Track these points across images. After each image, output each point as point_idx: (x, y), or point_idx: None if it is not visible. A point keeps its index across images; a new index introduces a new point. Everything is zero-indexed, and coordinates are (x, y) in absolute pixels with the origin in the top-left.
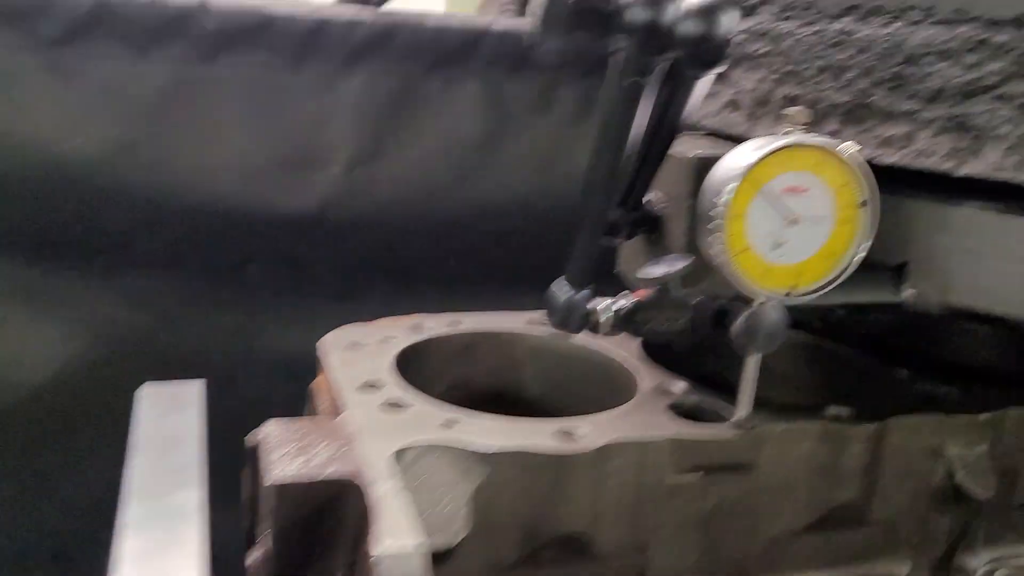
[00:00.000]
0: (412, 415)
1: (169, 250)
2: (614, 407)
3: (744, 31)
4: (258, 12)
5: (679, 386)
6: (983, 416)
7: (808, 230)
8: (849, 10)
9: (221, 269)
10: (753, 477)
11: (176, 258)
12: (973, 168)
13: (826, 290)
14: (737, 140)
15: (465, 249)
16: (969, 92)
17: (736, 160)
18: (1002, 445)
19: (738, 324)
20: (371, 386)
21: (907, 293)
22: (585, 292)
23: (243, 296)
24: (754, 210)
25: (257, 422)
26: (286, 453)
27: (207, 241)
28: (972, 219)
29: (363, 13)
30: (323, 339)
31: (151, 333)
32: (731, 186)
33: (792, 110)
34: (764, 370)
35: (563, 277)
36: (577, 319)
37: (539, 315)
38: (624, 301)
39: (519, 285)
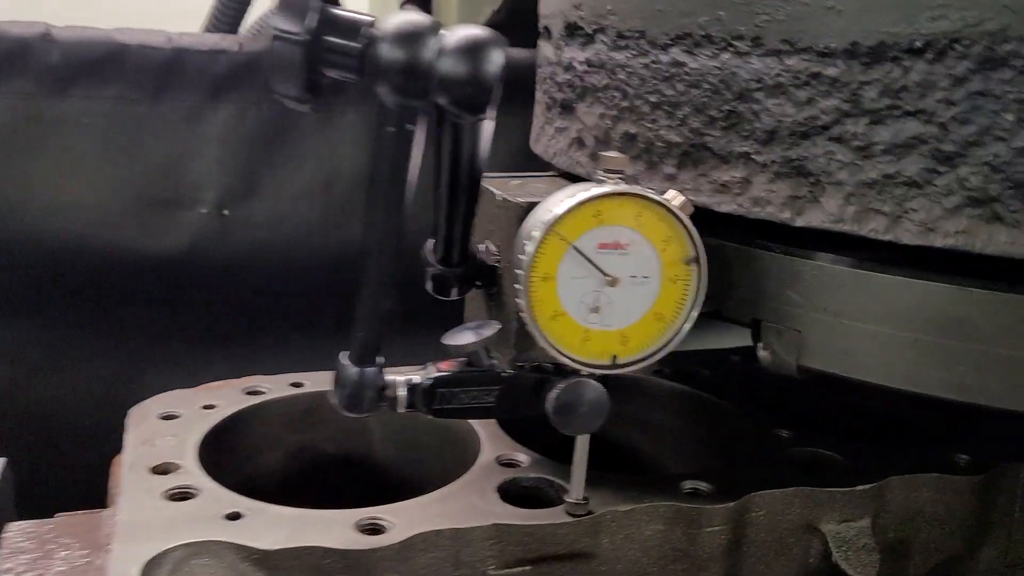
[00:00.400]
0: (195, 507)
1: (30, 296)
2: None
3: (584, 61)
4: (108, 42)
5: (523, 459)
6: (862, 487)
7: (631, 291)
8: (678, 39)
9: (91, 314)
10: (593, 568)
11: (38, 304)
12: (812, 218)
13: (656, 358)
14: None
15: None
16: (804, 132)
17: (543, 212)
18: (887, 517)
19: (552, 400)
20: (162, 470)
21: (761, 354)
22: (374, 367)
23: (117, 343)
24: (566, 269)
25: None
26: (16, 567)
27: (72, 285)
28: (823, 274)
29: (226, 41)
30: (135, 408)
31: (14, 386)
32: (533, 243)
33: (609, 154)
34: (636, 425)
35: (343, 355)
36: (368, 398)
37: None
38: (423, 375)
39: (411, 326)
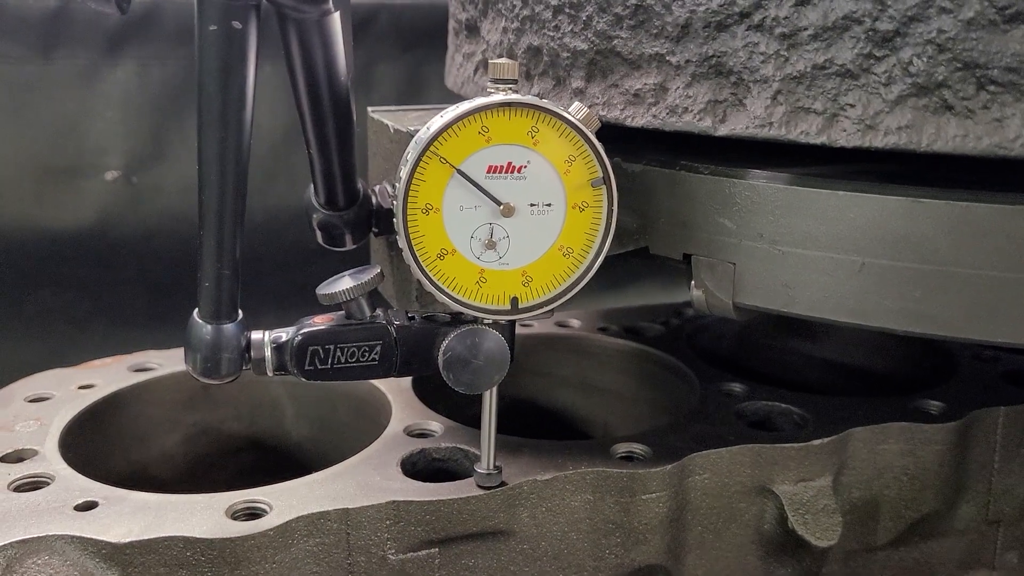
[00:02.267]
0: (41, 497)
1: None
2: None
3: None
4: None
5: (436, 427)
6: (820, 441)
7: (531, 222)
8: None
9: (1, 296)
10: (512, 547)
11: None
12: (736, 124)
13: (564, 300)
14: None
15: (281, 260)
16: (720, 23)
17: (422, 132)
18: (850, 475)
19: (441, 352)
20: (15, 458)
21: (694, 294)
22: (231, 325)
23: (35, 329)
24: (453, 198)
25: None
26: None
27: None
28: (757, 194)
29: None
30: (5, 389)
31: None
32: (408, 166)
33: (497, 60)
34: (574, 388)
35: (195, 312)
36: (228, 360)
37: None
38: (289, 332)
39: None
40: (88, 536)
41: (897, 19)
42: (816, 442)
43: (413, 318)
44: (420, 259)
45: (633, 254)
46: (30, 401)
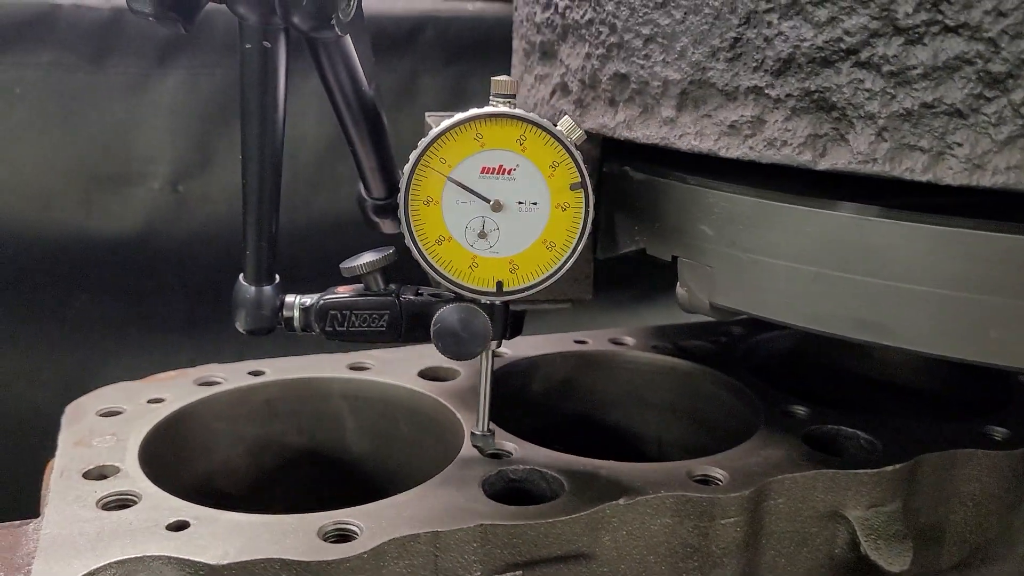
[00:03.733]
0: (133, 516)
1: None
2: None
3: None
4: (38, 1)
5: (511, 448)
6: (892, 467)
7: (519, 218)
8: None
9: (38, 306)
10: (592, 570)
11: None
12: (837, 159)
13: (543, 287)
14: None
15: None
16: (825, 59)
17: (427, 135)
18: (918, 500)
19: (433, 324)
20: (98, 475)
21: (678, 292)
22: (269, 287)
23: (75, 334)
24: (451, 193)
25: None
26: None
27: (17, 275)
28: (732, 205)
29: None
30: (72, 405)
31: None
32: (410, 164)
33: (499, 78)
34: (634, 408)
35: (241, 276)
36: (266, 317)
37: (366, 354)
38: (315, 297)
39: None
40: (185, 557)
41: (1010, 61)
42: (889, 468)
43: (421, 294)
44: (420, 244)
45: (636, 256)
46: (102, 415)
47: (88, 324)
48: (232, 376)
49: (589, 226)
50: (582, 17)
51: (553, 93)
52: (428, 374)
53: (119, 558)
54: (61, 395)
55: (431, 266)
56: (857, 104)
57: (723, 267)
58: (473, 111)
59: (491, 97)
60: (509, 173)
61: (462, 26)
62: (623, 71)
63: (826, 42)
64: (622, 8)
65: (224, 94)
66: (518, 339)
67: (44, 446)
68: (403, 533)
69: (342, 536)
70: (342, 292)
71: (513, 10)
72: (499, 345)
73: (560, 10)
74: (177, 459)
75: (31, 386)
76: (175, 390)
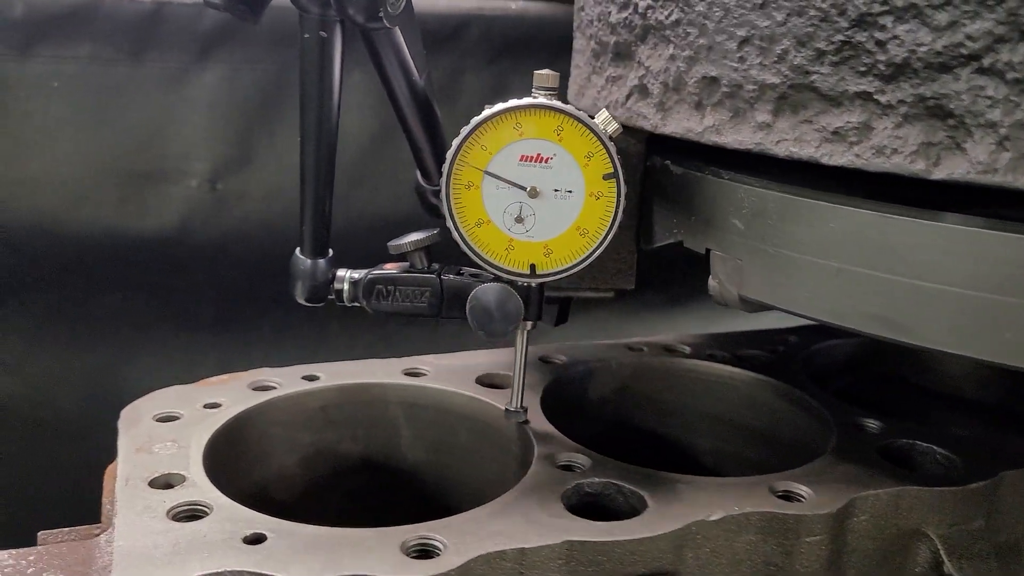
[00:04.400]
0: (207, 528)
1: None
2: (507, 479)
3: None
4: None
5: (581, 460)
6: (977, 484)
7: (554, 204)
8: None
9: (68, 302)
10: None
11: (10, 293)
12: (953, 168)
13: (574, 271)
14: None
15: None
16: (943, 64)
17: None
18: (1000, 518)
19: (468, 302)
20: (164, 483)
21: (710, 284)
22: (323, 261)
23: (103, 333)
24: (490, 179)
25: None
26: None
27: (48, 271)
28: (760, 200)
29: None
30: (128, 408)
31: None
32: (452, 150)
33: (543, 72)
34: (700, 420)
35: (298, 250)
36: (318, 288)
37: (421, 360)
38: (364, 272)
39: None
40: (268, 574)
41: None
42: (973, 485)
43: (462, 274)
44: (460, 226)
45: (669, 258)
46: (159, 420)
47: (115, 322)
48: (286, 381)
49: (620, 215)
50: (667, 18)
51: (630, 95)
52: (485, 381)
53: (199, 573)
54: (85, 394)
55: (469, 247)
56: (977, 112)
57: (752, 260)
58: (513, 102)
59: (533, 89)
60: (546, 162)
61: (506, 24)
62: (713, 74)
63: (945, 47)
64: (715, 9)
65: (265, 90)
66: (573, 345)
67: (66, 444)
68: (489, 550)
69: (424, 551)
70: (389, 268)
71: (577, 10)
72: (534, 326)
73: (641, 10)
74: (235, 466)
75: (55, 384)
76: (230, 394)
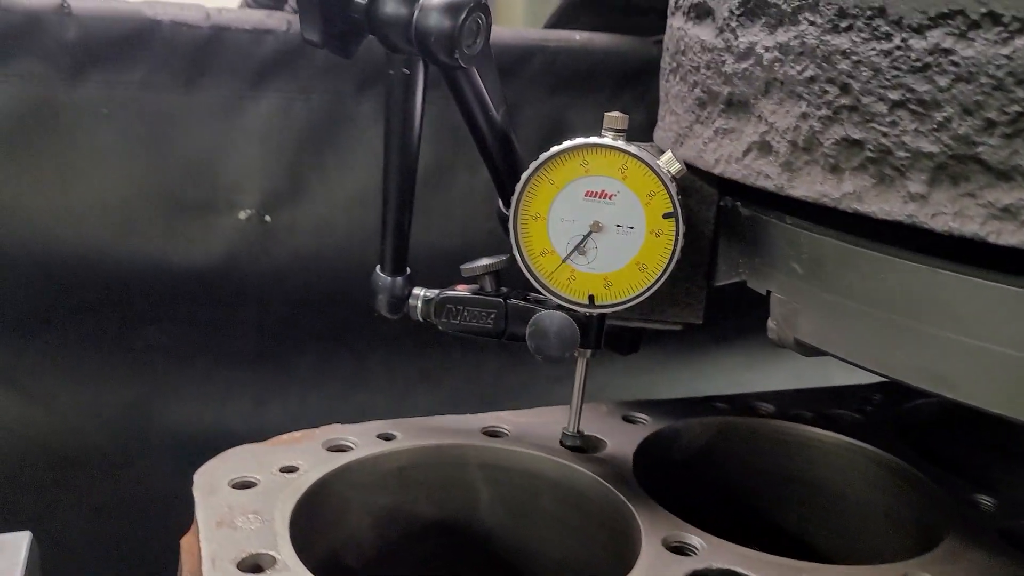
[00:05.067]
0: None
1: (35, 313)
2: (594, 551)
3: (775, 47)
4: (135, 17)
5: (694, 542)
6: None
7: (616, 239)
8: (942, 19)
9: (108, 334)
10: None
11: (46, 322)
12: None
13: (631, 304)
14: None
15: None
16: None
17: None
18: None
19: (529, 326)
20: (252, 566)
21: (769, 325)
22: (400, 279)
23: (139, 366)
24: (556, 211)
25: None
26: None
27: (87, 301)
28: (817, 246)
29: (273, 19)
30: (201, 472)
31: (22, 413)
32: (521, 183)
33: (613, 114)
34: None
35: (377, 268)
36: (395, 303)
37: (499, 417)
38: (435, 292)
39: (476, 344)
40: None
41: None
42: None
43: (528, 299)
44: (525, 254)
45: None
46: (236, 487)
47: (153, 356)
48: (362, 439)
49: (679, 252)
50: (800, 73)
51: (747, 151)
52: (570, 442)
53: None
54: (117, 428)
55: (533, 275)
56: None
57: (808, 305)
58: (580, 140)
59: (603, 129)
60: (610, 198)
61: (569, 56)
62: (856, 137)
63: None
64: (862, 69)
65: (318, 121)
66: (654, 402)
67: (98, 480)
68: None
69: None
70: (460, 289)
71: (673, 52)
72: (593, 355)
73: (765, 63)
74: (310, 533)
75: (87, 417)
76: (306, 456)
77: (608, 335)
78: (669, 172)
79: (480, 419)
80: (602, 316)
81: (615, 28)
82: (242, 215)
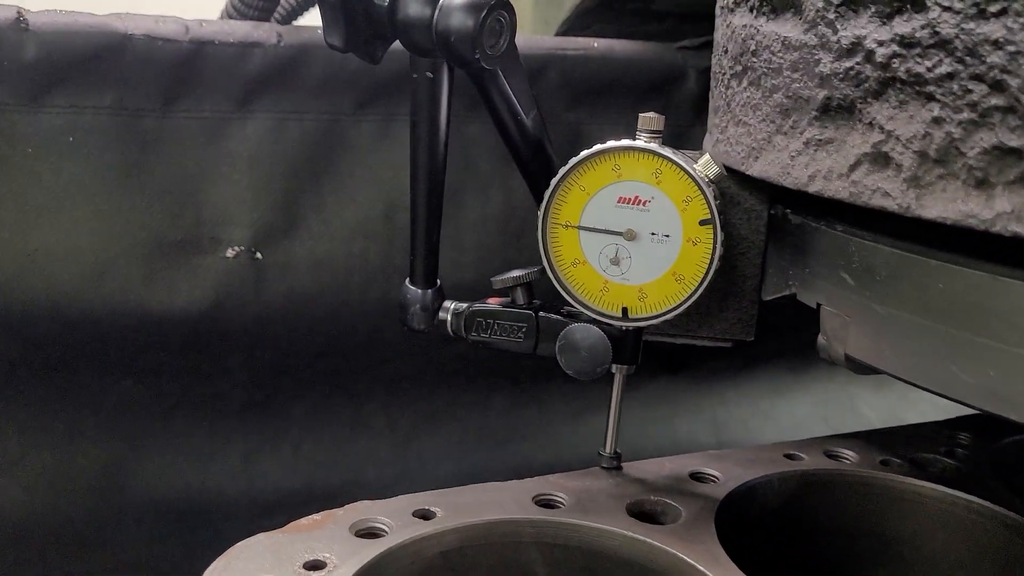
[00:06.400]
0: None
1: None
2: None
3: (895, 40)
4: (104, 31)
5: None
6: None
7: (651, 248)
8: None
9: (79, 391)
10: None
11: (9, 380)
12: None
13: (668, 317)
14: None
15: (415, 343)
16: None
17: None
18: None
19: (559, 340)
20: None
21: (819, 341)
22: (431, 291)
23: (114, 424)
24: (588, 220)
25: None
26: None
27: (55, 356)
28: (870, 254)
29: (261, 31)
30: (214, 568)
31: None
32: (550, 189)
33: (648, 115)
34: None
35: (407, 280)
36: (424, 316)
37: (549, 483)
38: (466, 304)
39: (488, 379)
40: None
41: None
42: None
43: (562, 313)
44: (555, 265)
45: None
46: None
47: (128, 412)
48: (394, 519)
49: (717, 262)
50: (930, 71)
51: (856, 165)
52: (636, 509)
53: None
54: (90, 494)
55: (563, 287)
56: None
57: (859, 318)
58: (611, 143)
59: (638, 131)
60: (644, 204)
61: (588, 66)
62: (1013, 144)
63: None
64: (1022, 62)
65: (314, 144)
66: (721, 455)
67: (70, 556)
68: None
69: None
70: (491, 302)
71: (733, 55)
72: (630, 371)
73: (879, 60)
74: None
75: (55, 486)
76: (332, 545)
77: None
78: (706, 176)
79: (527, 486)
80: (638, 330)
81: (629, 35)
82: (229, 253)
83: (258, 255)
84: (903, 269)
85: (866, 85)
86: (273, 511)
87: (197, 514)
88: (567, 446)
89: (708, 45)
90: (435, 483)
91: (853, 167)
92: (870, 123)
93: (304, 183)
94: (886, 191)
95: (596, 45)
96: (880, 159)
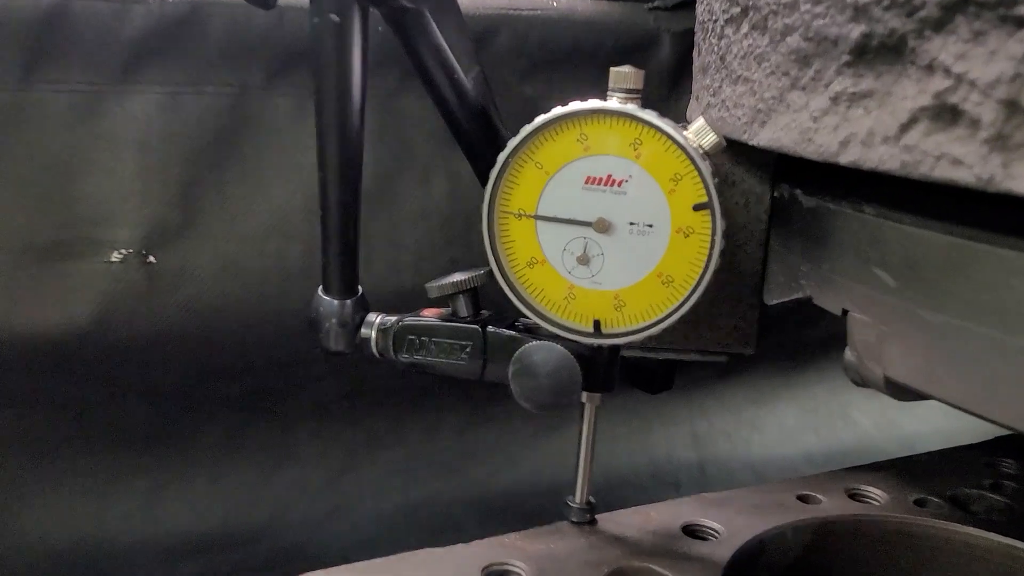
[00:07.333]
0: None
1: None
2: None
3: None
4: None
5: None
6: None
7: (629, 242)
8: None
9: None
10: None
11: None
12: None
13: (653, 332)
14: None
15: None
16: None
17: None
18: None
19: (511, 363)
20: None
21: (846, 358)
22: (349, 302)
23: None
24: (547, 207)
25: None
26: None
27: None
28: (918, 246)
29: None
30: None
31: None
32: (497, 167)
33: (623, 69)
34: None
35: (319, 289)
36: (341, 334)
37: (504, 545)
38: (394, 318)
39: (437, 397)
40: None
41: None
42: None
43: (518, 326)
44: (507, 266)
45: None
46: None
47: (4, 450)
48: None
49: (716, 259)
50: None
51: (910, 124)
52: None
53: None
54: None
55: (518, 294)
56: None
57: (903, 328)
58: (576, 104)
59: (610, 91)
60: (619, 185)
61: (545, 29)
62: None
63: None
64: None
65: (216, 123)
66: (721, 498)
67: None
68: None
69: None
70: (427, 315)
71: (725, 3)
72: (600, 401)
73: None
74: None
75: None
76: None
77: (631, 368)
78: (701, 147)
79: (475, 552)
80: (613, 348)
81: None
82: (115, 256)
83: (150, 259)
84: (965, 263)
85: (923, 13)
86: (184, 557)
87: (94, 564)
88: (528, 470)
89: (684, 5)
90: (375, 519)
91: (905, 127)
92: (929, 66)
93: (204, 171)
94: (956, 157)
95: (555, 3)
96: (946, 114)
